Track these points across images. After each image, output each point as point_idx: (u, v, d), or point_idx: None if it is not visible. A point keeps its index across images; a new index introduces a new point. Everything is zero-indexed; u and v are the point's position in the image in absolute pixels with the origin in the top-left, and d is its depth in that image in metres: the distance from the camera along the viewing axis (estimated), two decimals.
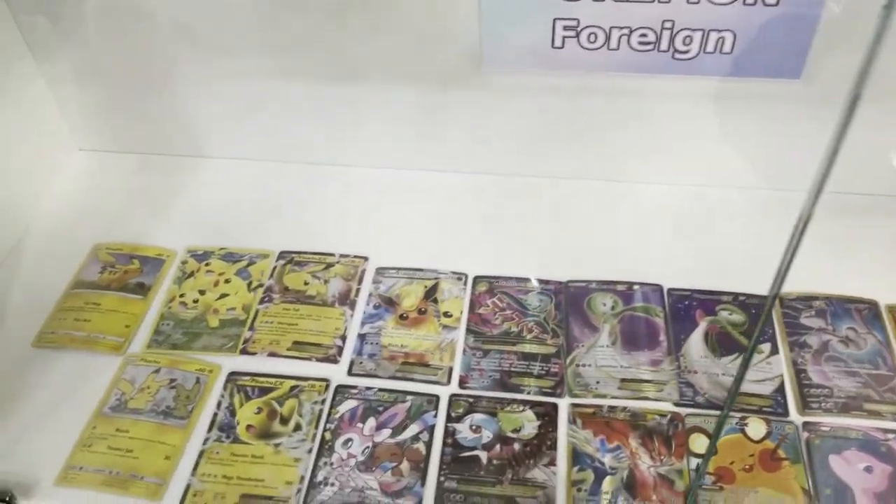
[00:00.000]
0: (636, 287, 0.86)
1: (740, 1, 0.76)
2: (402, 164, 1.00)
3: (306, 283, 0.88)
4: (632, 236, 0.92)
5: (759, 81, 0.83)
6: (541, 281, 0.87)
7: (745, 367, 0.47)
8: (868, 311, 0.83)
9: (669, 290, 0.86)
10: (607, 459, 0.72)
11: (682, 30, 0.80)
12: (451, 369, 0.80)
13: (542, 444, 0.74)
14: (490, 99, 0.91)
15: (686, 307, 0.84)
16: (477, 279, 0.88)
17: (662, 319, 0.83)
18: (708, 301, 0.85)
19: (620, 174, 0.97)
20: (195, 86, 0.97)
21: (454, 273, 0.89)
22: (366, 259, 0.91)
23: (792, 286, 0.85)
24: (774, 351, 0.80)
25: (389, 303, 0.86)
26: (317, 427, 0.75)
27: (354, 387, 0.79)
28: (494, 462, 0.72)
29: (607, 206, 0.95)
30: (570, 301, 0.85)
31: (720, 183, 0.95)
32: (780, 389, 0.77)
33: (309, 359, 0.81)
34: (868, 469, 0.70)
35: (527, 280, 0.87)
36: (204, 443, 0.75)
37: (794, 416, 0.75)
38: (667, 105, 0.88)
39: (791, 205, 0.44)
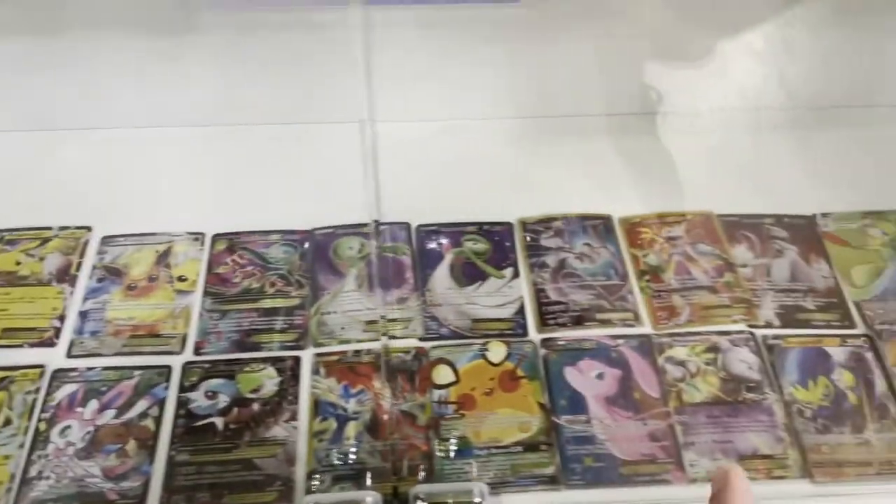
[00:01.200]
0: (383, 227, 0.84)
1: None
2: (121, 121, 0.91)
3: (18, 263, 0.79)
4: (378, 176, 0.89)
5: (480, 7, 0.82)
6: (285, 231, 0.83)
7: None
8: (602, 226, 0.85)
9: (418, 226, 0.85)
10: (350, 405, 0.70)
11: None
12: (185, 336, 0.74)
13: (283, 400, 0.70)
14: (209, 42, 0.84)
15: (434, 242, 0.84)
16: (216, 237, 0.82)
17: (409, 256, 0.82)
18: (454, 233, 0.84)
19: (357, 114, 0.93)
20: None
21: (190, 234, 0.82)
22: (89, 229, 0.82)
23: (533, 210, 0.86)
24: (516, 275, 0.81)
25: (116, 273, 0.79)
26: (30, 419, 0.68)
27: (74, 369, 0.71)
28: (231, 426, 0.68)
29: (344, 148, 0.91)
30: (317, 249, 0.82)
31: (454, 116, 0.93)
32: (521, 311, 0.78)
33: (21, 346, 0.73)
34: (600, 376, 0.73)
35: (269, 233, 0.83)
36: None
37: (533, 334, 0.76)
38: (392, 36, 0.85)
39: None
